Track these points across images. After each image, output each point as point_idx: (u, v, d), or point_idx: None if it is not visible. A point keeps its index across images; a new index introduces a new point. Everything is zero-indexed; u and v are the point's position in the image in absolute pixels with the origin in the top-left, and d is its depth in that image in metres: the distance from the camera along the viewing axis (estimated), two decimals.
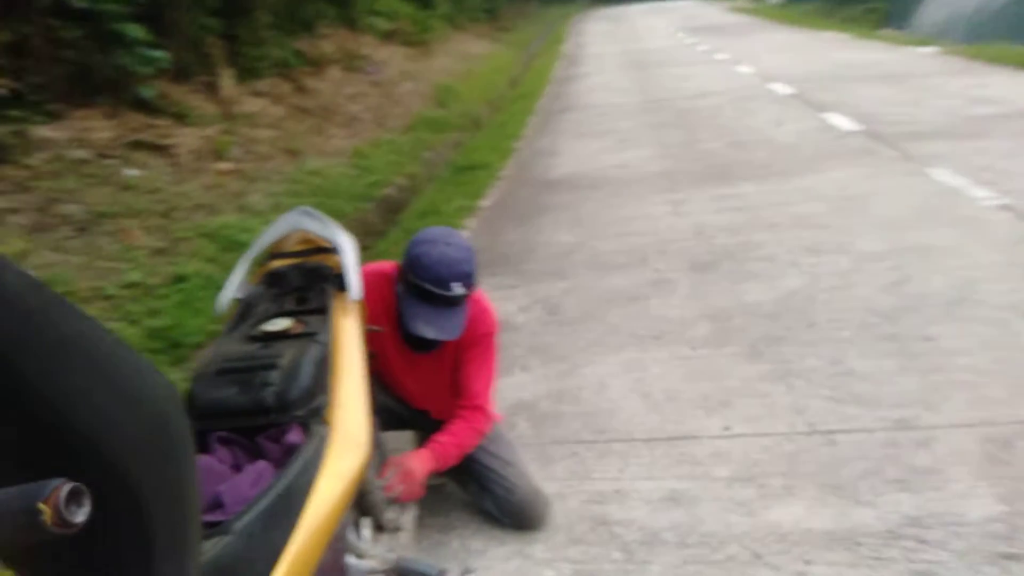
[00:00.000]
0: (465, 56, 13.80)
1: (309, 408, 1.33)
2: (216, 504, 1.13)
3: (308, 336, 1.47)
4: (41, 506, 0.48)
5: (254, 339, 1.48)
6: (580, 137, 7.87)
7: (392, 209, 5.91)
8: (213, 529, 1.06)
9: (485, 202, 5.85)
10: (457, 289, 1.88)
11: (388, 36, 11.35)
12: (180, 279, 3.70)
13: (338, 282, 1.65)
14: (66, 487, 0.49)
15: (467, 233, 5.13)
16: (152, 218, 4.33)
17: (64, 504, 0.48)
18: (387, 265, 2.11)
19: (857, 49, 12.03)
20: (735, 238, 4.24)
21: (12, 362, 0.63)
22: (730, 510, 2.16)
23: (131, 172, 4.71)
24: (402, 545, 1.98)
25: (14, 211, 3.79)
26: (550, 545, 2.11)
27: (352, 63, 9.28)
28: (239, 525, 1.07)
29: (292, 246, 1.79)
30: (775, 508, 2.15)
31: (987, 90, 7.42)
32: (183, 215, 4.54)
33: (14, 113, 4.21)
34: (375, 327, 1.94)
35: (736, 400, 2.69)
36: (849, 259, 3.73)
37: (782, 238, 4.14)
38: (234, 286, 1.65)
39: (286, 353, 1.39)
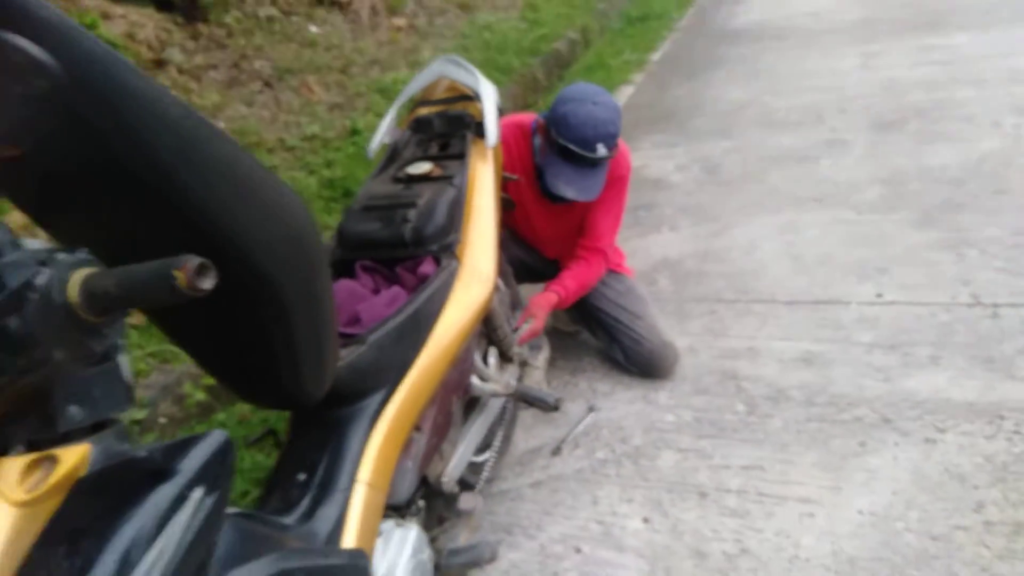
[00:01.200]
0: None
1: (442, 244, 1.48)
2: (355, 320, 1.33)
3: (446, 179, 1.60)
4: (176, 272, 0.61)
5: (398, 180, 1.64)
6: None
7: (560, 64, 5.83)
8: (351, 339, 1.26)
9: (656, 55, 5.60)
10: (601, 150, 1.91)
11: None
12: (354, 132, 3.98)
13: (477, 129, 1.74)
14: (196, 260, 0.61)
15: (632, 88, 5.00)
16: (331, 74, 4.61)
17: (194, 272, 0.61)
18: (526, 117, 2.16)
19: None
20: (931, 95, 3.79)
21: (176, 175, 0.76)
22: (865, 374, 2.13)
23: (313, 29, 5.00)
24: (535, 381, 2.18)
25: (212, 67, 4.21)
26: (675, 393, 2.22)
27: None
28: (372, 337, 1.26)
29: (439, 94, 1.90)
30: (916, 376, 2.09)
31: None
32: (359, 71, 4.79)
33: None
34: (512, 176, 2.04)
35: (895, 267, 2.55)
36: None
37: (988, 95, 3.65)
38: (384, 131, 1.80)
39: (424, 194, 1.54)
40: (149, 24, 3.93)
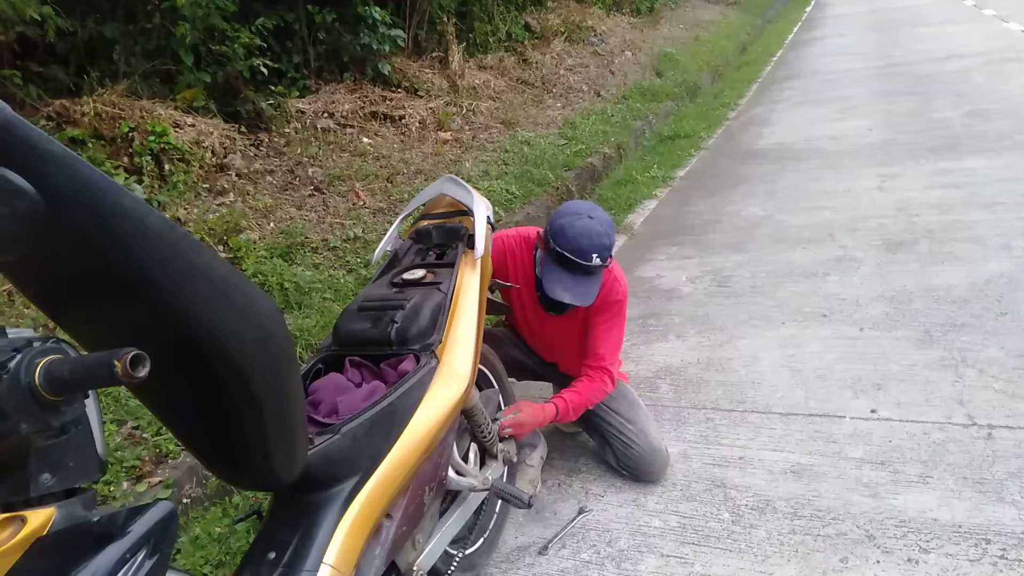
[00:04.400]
0: (694, 23, 13.44)
1: (423, 344, 1.63)
2: (334, 410, 1.47)
3: (435, 285, 1.76)
4: (116, 362, 0.73)
5: (394, 284, 1.80)
6: (799, 105, 7.45)
7: (592, 177, 6.12)
8: (326, 428, 1.38)
9: (681, 172, 5.85)
10: (596, 260, 2.05)
11: (615, 5, 11.46)
12: None
13: (469, 241, 1.91)
14: (132, 352, 0.74)
15: (655, 203, 5.21)
16: (377, 182, 4.94)
17: (130, 363, 0.73)
18: (531, 231, 2.34)
19: None
20: (943, 216, 3.89)
21: (154, 280, 0.89)
22: (853, 490, 2.15)
23: (366, 140, 5.41)
24: (528, 479, 2.26)
25: (270, 172, 4.58)
26: (664, 498, 2.26)
27: (576, 35, 9.55)
28: (346, 427, 1.38)
29: (441, 208, 2.09)
30: (904, 494, 2.10)
31: None
32: (404, 179, 5.11)
33: (277, 88, 5.04)
34: (508, 283, 2.20)
35: (892, 384, 2.59)
36: None
37: (999, 218, 3.73)
38: (387, 240, 2.00)
39: (413, 297, 1.70)
40: (215, 132, 4.33)
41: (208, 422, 1.10)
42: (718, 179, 5.47)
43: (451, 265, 1.83)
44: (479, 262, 1.86)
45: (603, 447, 2.39)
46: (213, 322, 0.97)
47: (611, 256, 2.11)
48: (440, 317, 1.67)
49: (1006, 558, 1.83)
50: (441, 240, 1.96)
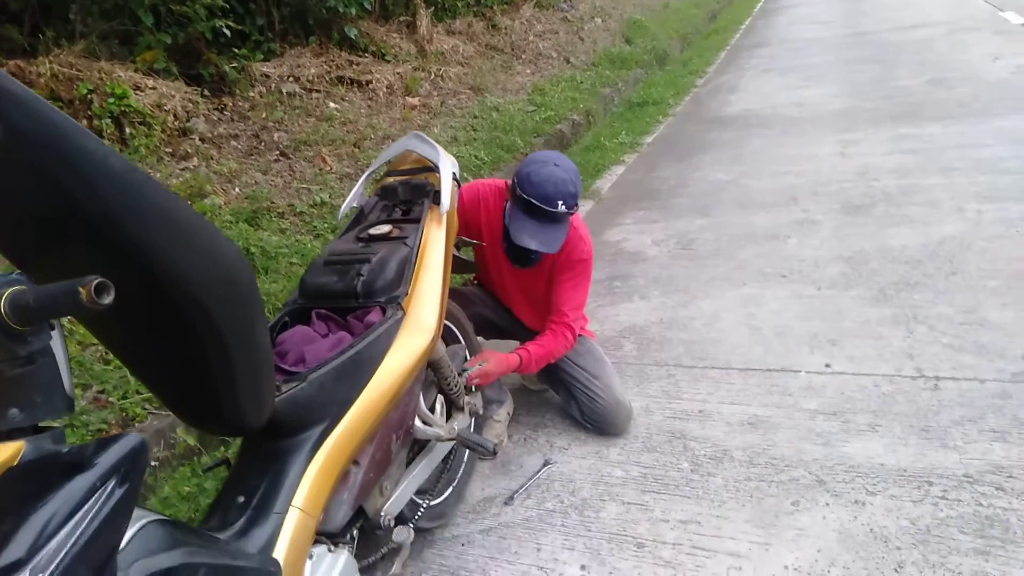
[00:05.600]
0: None
1: (389, 296, 1.65)
2: (301, 359, 1.49)
3: (401, 239, 1.79)
4: (80, 289, 0.74)
5: (360, 239, 1.82)
6: (765, 73, 7.51)
7: (561, 143, 6.13)
8: (293, 376, 1.41)
9: (649, 138, 5.89)
10: (561, 207, 2.09)
11: None
12: None
13: (435, 197, 1.94)
14: (96, 280, 0.74)
15: (623, 168, 5.25)
16: (344, 147, 4.89)
17: (94, 290, 0.74)
18: (502, 184, 2.36)
19: None
20: (900, 181, 3.99)
21: (118, 222, 0.91)
22: (806, 439, 2.24)
23: (332, 105, 5.34)
24: (495, 434, 2.31)
25: (234, 136, 4.52)
26: (626, 450, 2.33)
27: (546, 0, 9.47)
28: (313, 376, 1.41)
29: (406, 165, 2.11)
30: (854, 442, 2.19)
31: None
32: (371, 145, 5.07)
33: (240, 51, 4.95)
34: (472, 240, 2.23)
35: (846, 340, 2.68)
36: None
37: (954, 182, 3.83)
38: (353, 196, 2.01)
39: (379, 251, 1.72)
40: (177, 95, 4.25)
41: (176, 366, 1.12)
42: (685, 145, 5.52)
43: (417, 221, 1.86)
44: (445, 217, 1.89)
45: (568, 401, 2.45)
46: (178, 263, 0.98)
47: (576, 204, 2.14)
48: (406, 270, 1.70)
49: (946, 498, 1.93)
50: (407, 196, 1.98)
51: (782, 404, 2.41)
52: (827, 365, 2.56)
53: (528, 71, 7.59)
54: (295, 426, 1.39)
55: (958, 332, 2.61)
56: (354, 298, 1.65)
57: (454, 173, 1.97)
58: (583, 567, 1.91)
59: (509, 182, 2.24)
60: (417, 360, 1.62)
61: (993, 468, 2.00)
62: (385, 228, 1.83)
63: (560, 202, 2.07)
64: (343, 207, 2.02)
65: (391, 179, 2.05)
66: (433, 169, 2.00)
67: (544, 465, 2.31)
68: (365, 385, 1.50)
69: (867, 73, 6.61)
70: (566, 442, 2.41)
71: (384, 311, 1.62)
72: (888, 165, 4.26)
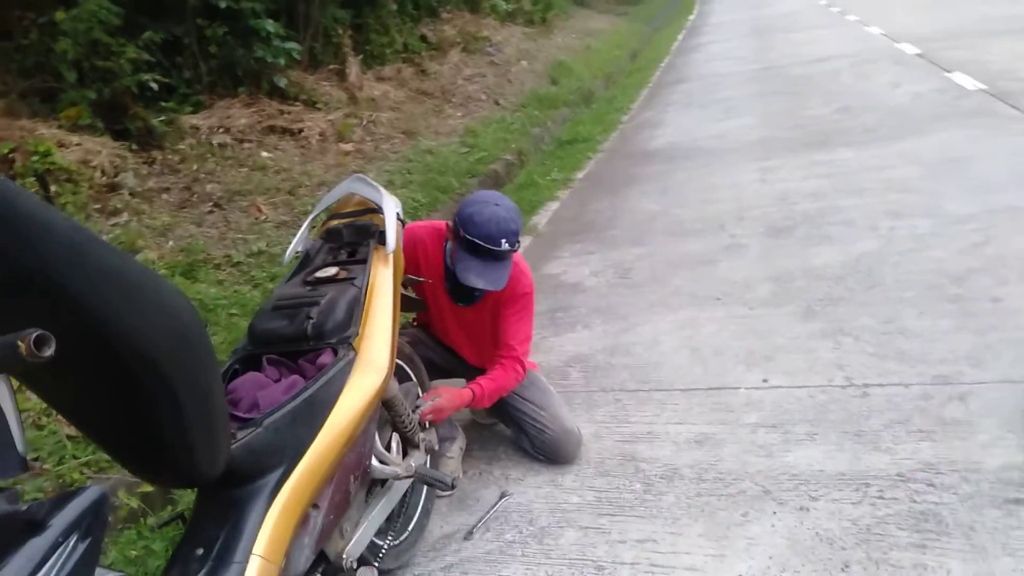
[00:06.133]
0: (586, 32, 13.87)
1: (340, 337, 1.67)
2: (254, 405, 1.50)
3: (348, 280, 1.81)
4: (19, 343, 0.74)
5: (307, 283, 1.84)
6: (686, 108, 7.85)
7: (496, 183, 6.24)
8: (248, 423, 1.41)
9: (580, 174, 6.06)
10: (505, 245, 2.14)
11: (509, 16, 11.70)
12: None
13: (380, 237, 1.97)
14: (35, 332, 0.75)
15: (557, 204, 5.39)
16: (279, 195, 4.87)
17: (33, 343, 0.74)
18: (440, 223, 2.41)
19: (1010, 1, 10.97)
20: (818, 203, 4.23)
21: (63, 282, 0.90)
22: (751, 452, 2.33)
23: (265, 154, 5.32)
24: (449, 470, 2.33)
25: (165, 190, 4.45)
26: (579, 476, 2.37)
27: (472, 45, 9.69)
28: (268, 420, 1.42)
29: (350, 207, 2.14)
30: (794, 452, 2.29)
31: None
32: (307, 192, 5.06)
33: (167, 104, 4.90)
34: (418, 278, 2.27)
35: (780, 355, 2.81)
36: (932, 222, 3.65)
37: (867, 203, 4.08)
38: (297, 241, 2.03)
39: (327, 293, 1.74)
40: (103, 151, 4.17)
41: (127, 420, 1.11)
42: (615, 179, 5.71)
43: (363, 262, 1.89)
44: (391, 257, 1.92)
45: (519, 435, 2.49)
46: (127, 321, 0.98)
47: (519, 241, 2.21)
48: (356, 310, 1.72)
49: (883, 497, 2.04)
50: (352, 238, 2.01)
51: (725, 420, 2.50)
52: (764, 380, 2.68)
53: (459, 114, 7.73)
54: (252, 473, 1.39)
55: (881, 341, 2.77)
56: (305, 341, 1.66)
57: (398, 213, 2.02)
58: None
59: (448, 223, 2.30)
60: (371, 399, 1.64)
61: (923, 466, 2.12)
62: (332, 270, 1.85)
63: (504, 240, 2.13)
64: (288, 252, 2.04)
65: (335, 222, 2.08)
66: (376, 210, 2.04)
67: (501, 497, 2.33)
68: (321, 427, 1.51)
69: (780, 104, 6.99)
70: (521, 473, 2.44)
71: (336, 352, 1.64)
72: (806, 189, 4.51)
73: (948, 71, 6.79)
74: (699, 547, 1.99)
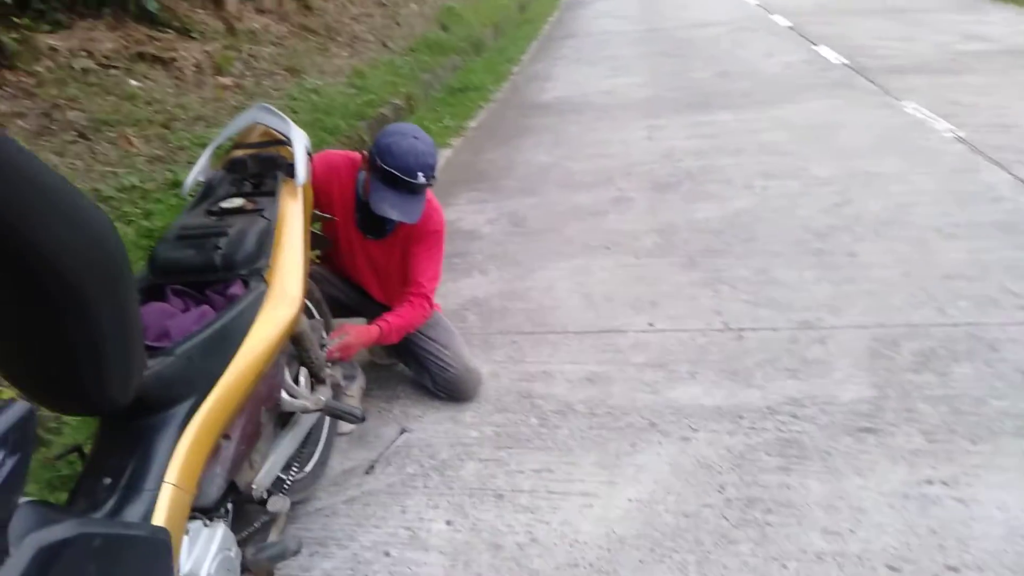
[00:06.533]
0: None
1: (251, 269, 1.63)
2: (164, 334, 1.45)
3: (257, 212, 1.76)
4: None
5: (212, 213, 1.77)
6: (576, 63, 7.97)
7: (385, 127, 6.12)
8: (158, 352, 1.37)
9: (473, 123, 6.06)
10: (421, 178, 2.13)
11: None
12: (175, 184, 3.97)
13: (288, 170, 1.92)
14: None
15: (450, 151, 5.38)
16: (152, 127, 4.55)
17: None
18: (355, 155, 2.37)
19: None
20: (700, 161, 4.47)
21: None
22: (638, 389, 2.49)
23: (134, 83, 4.93)
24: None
25: (19, 115, 4.05)
26: (478, 412, 2.46)
27: None
28: (180, 350, 1.37)
29: (254, 138, 2.06)
30: (677, 388, 2.47)
31: (983, 27, 7.42)
32: (182, 126, 4.76)
33: (20, 21, 4.42)
34: (326, 215, 2.23)
35: (665, 301, 2.99)
36: (800, 183, 3.97)
37: (744, 163, 4.36)
38: (198, 170, 1.94)
39: (236, 224, 1.69)
40: None
41: (37, 345, 1.04)
42: (508, 130, 5.75)
43: (271, 194, 1.84)
44: (300, 190, 1.88)
45: (421, 373, 2.53)
46: (42, 229, 0.92)
47: (435, 176, 2.21)
48: (266, 242, 1.69)
49: (754, 428, 2.25)
50: (257, 169, 1.94)
51: (614, 361, 2.66)
52: (650, 324, 2.85)
53: (345, 54, 7.46)
54: (162, 402, 1.35)
55: (754, 290, 3.01)
56: (213, 271, 1.61)
57: (306, 145, 1.97)
58: (449, 522, 2.01)
59: (364, 153, 2.26)
60: (283, 332, 1.62)
61: (788, 400, 2.35)
62: (239, 201, 1.79)
63: (420, 173, 2.13)
64: (187, 181, 1.94)
65: (239, 152, 2.00)
66: (283, 142, 1.98)
67: (401, 433, 2.38)
68: (233, 357, 1.49)
69: (666, 66, 7.25)
70: (421, 411, 2.49)
71: (246, 284, 1.61)
72: (689, 148, 4.74)
73: (815, 44, 7.28)
74: (592, 475, 2.13)
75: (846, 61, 6.45)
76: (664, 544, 1.87)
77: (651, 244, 3.50)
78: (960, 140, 4.35)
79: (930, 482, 1.95)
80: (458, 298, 3.18)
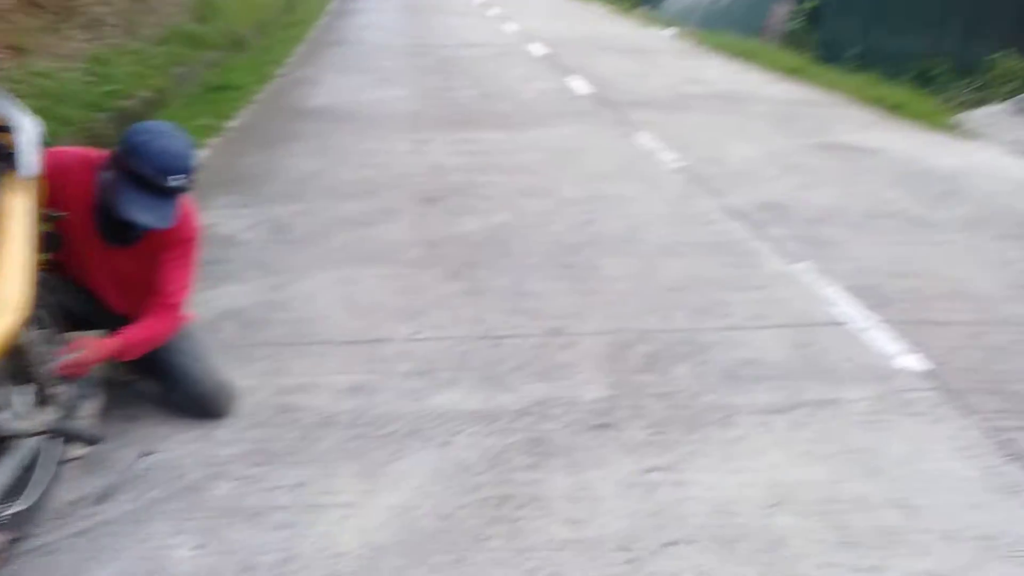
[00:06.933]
0: None
1: None
2: None
3: None
4: None
5: None
6: (344, 71, 7.91)
7: (131, 122, 5.58)
8: None
9: (232, 123, 5.75)
10: (176, 181, 1.98)
11: None
12: None
13: (11, 161, 1.70)
14: None
15: (207, 152, 5.05)
16: None
17: None
18: (92, 152, 2.14)
19: (613, 23, 13.17)
20: (463, 177, 4.67)
21: None
22: (402, 397, 2.54)
23: None
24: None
25: None
26: (233, 429, 2.34)
27: None
28: None
29: None
30: (440, 395, 2.56)
31: (701, 72, 8.61)
32: None
33: None
34: (58, 213, 1.99)
35: (430, 311, 3.08)
36: (552, 202, 4.31)
37: (502, 180, 4.64)
38: None
39: None
40: None
41: None
42: (272, 133, 5.55)
43: None
44: (29, 183, 1.67)
45: (168, 389, 2.35)
46: None
47: (192, 180, 2.07)
48: None
49: (509, 429, 2.39)
50: None
51: (379, 370, 2.68)
52: (415, 333, 2.92)
53: (83, 37, 6.69)
54: None
55: (512, 300, 3.21)
56: None
57: (39, 132, 1.75)
58: (197, 547, 1.89)
59: (101, 153, 2.06)
60: (1, 343, 1.44)
61: (537, 402, 2.54)
62: None
63: (176, 175, 1.98)
64: None
65: None
66: (5, 129, 1.75)
67: (142, 455, 2.19)
68: None
69: (432, 82, 7.45)
70: (168, 430, 2.31)
71: None
72: (453, 163, 4.93)
73: (567, 74, 7.92)
74: (352, 486, 2.13)
75: (592, 92, 7.11)
76: (423, 547, 1.92)
77: (417, 255, 3.58)
78: (682, 170, 5.00)
79: (654, 469, 2.22)
80: (214, 308, 3.00)
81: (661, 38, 11.76)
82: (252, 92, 6.77)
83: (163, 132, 2.03)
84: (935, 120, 6.93)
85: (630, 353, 2.85)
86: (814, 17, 10.73)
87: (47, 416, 1.77)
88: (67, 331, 2.18)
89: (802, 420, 2.46)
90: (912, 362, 2.81)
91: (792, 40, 10.94)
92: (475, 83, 7.38)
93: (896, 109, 7.22)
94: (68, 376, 1.93)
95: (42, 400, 1.81)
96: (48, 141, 1.82)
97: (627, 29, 12.55)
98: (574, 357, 2.81)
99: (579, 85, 7.41)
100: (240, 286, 3.21)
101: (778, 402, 2.55)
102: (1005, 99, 7.16)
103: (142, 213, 1.96)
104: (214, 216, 3.91)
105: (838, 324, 3.10)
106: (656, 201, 4.43)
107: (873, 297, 3.32)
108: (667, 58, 9.56)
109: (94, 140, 4.80)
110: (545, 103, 6.69)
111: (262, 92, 6.88)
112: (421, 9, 13.51)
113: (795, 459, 2.28)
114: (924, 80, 8.33)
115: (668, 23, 13.35)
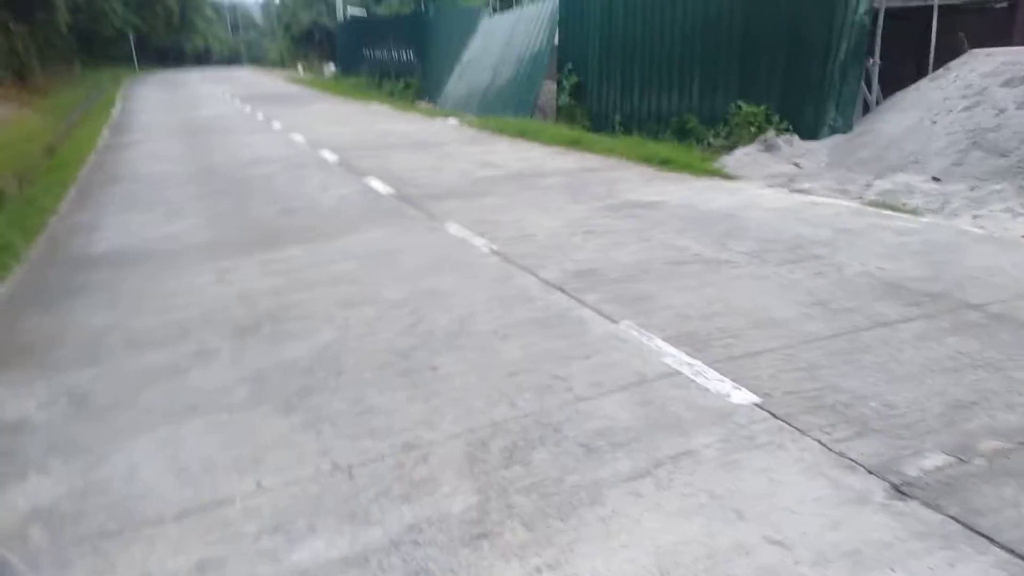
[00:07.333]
0: None
1: None
2: None
3: None
4: None
5: None
6: (126, 210, 7.39)
7: None
8: None
9: (1, 290, 5.12)
10: None
11: None
12: None
13: None
14: None
15: None
16: None
17: None
18: None
19: (397, 120, 13.55)
20: (277, 300, 4.47)
21: None
22: (257, 563, 2.30)
23: None
24: None
25: None
26: None
27: None
28: None
29: None
30: (299, 549, 2.35)
31: (491, 156, 9.06)
32: None
33: None
34: None
35: (268, 455, 2.86)
36: (375, 308, 4.24)
37: (319, 296, 4.50)
38: None
39: None
40: None
41: None
42: (52, 291, 5.00)
43: None
44: None
45: None
46: None
47: None
48: None
49: (383, 568, 2.24)
50: None
51: (225, 539, 2.42)
52: (258, 484, 2.69)
53: None
54: None
55: (354, 422, 3.07)
56: None
57: None
58: None
59: None
60: None
61: (407, 528, 2.41)
62: None
63: None
64: None
65: None
66: None
67: None
68: None
69: (224, 205, 7.16)
70: None
71: None
72: (263, 287, 4.72)
73: (363, 177, 7.97)
74: None
75: (393, 191, 7.20)
76: None
77: (243, 395, 3.34)
78: (495, 252, 5.16)
79: (539, 570, 2.18)
80: (13, 513, 2.58)
81: (446, 128, 12.26)
82: (19, 248, 6.09)
83: None
84: (700, 167, 7.79)
85: (487, 451, 2.82)
86: (578, 92, 11.75)
87: None
88: None
89: (665, 479, 2.56)
90: (743, 397, 3.04)
91: (565, 114, 11.88)
92: (273, 199, 7.20)
93: (666, 163, 8.04)
94: None
95: None
96: None
97: (412, 125, 12.96)
98: (433, 470, 2.72)
99: (378, 185, 7.48)
100: (42, 478, 2.79)
101: (639, 466, 2.63)
102: (751, 140, 8.22)
103: None
104: None
105: (670, 375, 3.29)
106: (476, 288, 4.51)
107: (693, 343, 3.57)
108: (456, 147, 9.95)
109: None
110: (348, 208, 6.66)
111: (33, 247, 6.22)
112: (201, 131, 13.08)
113: (669, 521, 2.35)
114: (682, 134, 9.39)
115: (449, 113, 13.98)
